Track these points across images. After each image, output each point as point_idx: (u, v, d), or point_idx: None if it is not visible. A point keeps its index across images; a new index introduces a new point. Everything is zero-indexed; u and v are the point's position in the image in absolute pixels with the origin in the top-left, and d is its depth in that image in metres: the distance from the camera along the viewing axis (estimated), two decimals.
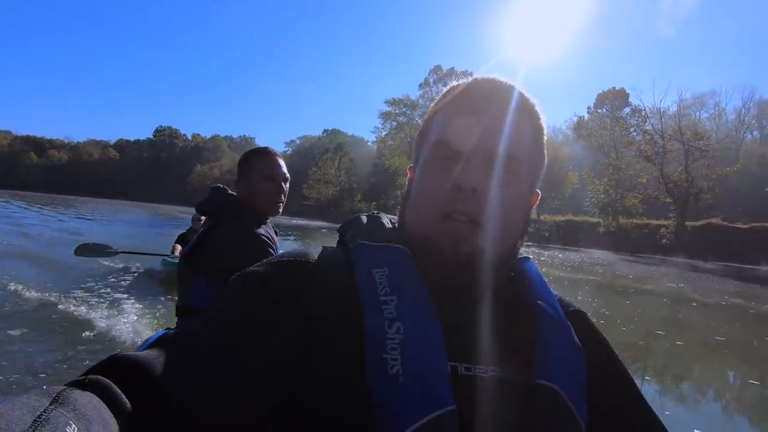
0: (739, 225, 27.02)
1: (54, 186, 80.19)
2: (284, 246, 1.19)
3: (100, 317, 4.63)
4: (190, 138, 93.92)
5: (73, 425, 0.26)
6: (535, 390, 0.44)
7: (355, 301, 0.45)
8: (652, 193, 31.97)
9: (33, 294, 5.34)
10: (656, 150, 31.64)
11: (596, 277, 13.34)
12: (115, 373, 0.35)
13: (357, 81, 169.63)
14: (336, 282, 0.47)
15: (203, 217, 1.78)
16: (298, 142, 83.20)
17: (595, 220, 34.26)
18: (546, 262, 16.85)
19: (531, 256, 0.58)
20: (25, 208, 25.09)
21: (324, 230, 25.90)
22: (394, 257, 0.49)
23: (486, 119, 0.49)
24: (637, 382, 0.54)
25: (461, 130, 0.49)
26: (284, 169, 1.62)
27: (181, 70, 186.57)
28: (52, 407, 0.27)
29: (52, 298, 5.19)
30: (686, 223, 28.64)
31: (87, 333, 4.19)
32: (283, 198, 1.61)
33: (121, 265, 7.60)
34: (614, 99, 37.44)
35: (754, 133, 47.63)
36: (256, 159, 1.59)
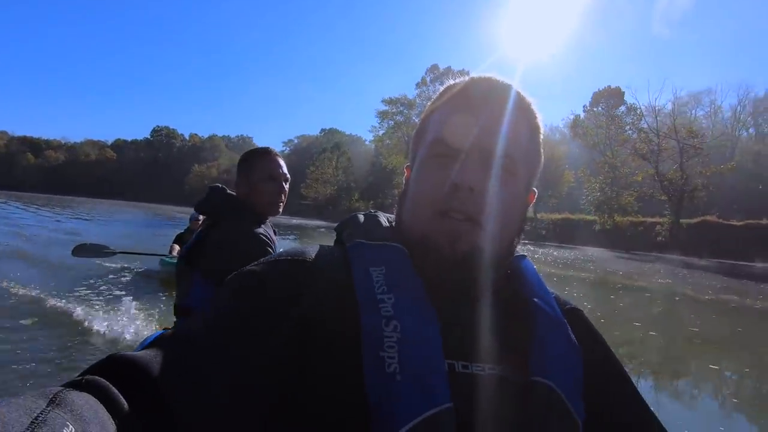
0: (734, 222, 27.24)
1: (51, 186, 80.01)
2: (283, 245, 1.19)
3: (98, 318, 4.64)
4: (187, 138, 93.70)
5: (71, 426, 0.26)
6: (531, 387, 0.44)
7: (352, 299, 0.45)
8: (647, 190, 32.17)
9: (30, 295, 5.34)
10: (651, 148, 31.85)
11: (585, 273, 13.52)
12: (112, 374, 0.34)
13: (354, 80, 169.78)
14: (333, 281, 0.47)
15: (201, 218, 1.84)
16: (295, 141, 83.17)
17: (591, 218, 34.47)
18: (539, 259, 17.00)
19: (526, 254, 0.60)
20: (22, 209, 25.05)
21: (322, 229, 25.97)
22: (391, 256, 0.49)
23: (483, 118, 0.49)
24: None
25: (458, 128, 0.49)
26: (285, 169, 1.62)
27: (178, 69, 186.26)
28: (49, 408, 0.27)
29: (49, 299, 5.19)
30: (681, 220, 28.83)
31: (85, 334, 4.19)
32: (283, 198, 1.61)
33: (119, 266, 7.61)
34: (610, 97, 37.62)
35: (750, 130, 47.92)
36: (258, 159, 1.60)
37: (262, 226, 1.52)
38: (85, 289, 5.93)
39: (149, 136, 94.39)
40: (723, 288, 12.38)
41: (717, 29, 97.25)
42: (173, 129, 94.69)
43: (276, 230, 1.63)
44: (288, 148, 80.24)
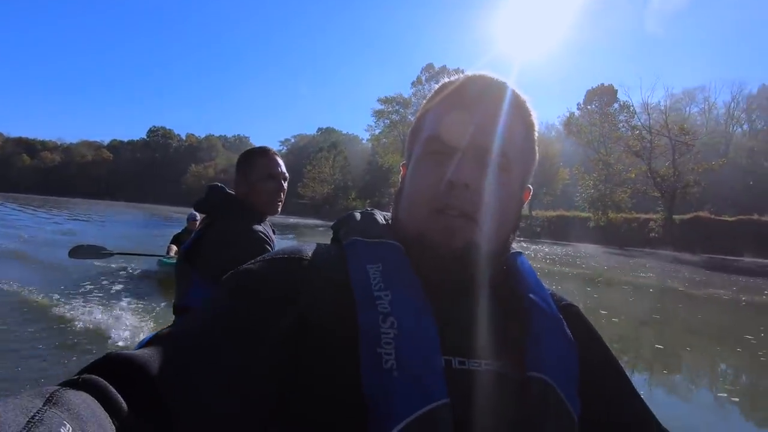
0: (726, 218, 27.55)
1: (47, 188, 79.83)
2: (281, 245, 1.29)
3: (96, 319, 4.64)
4: (184, 138, 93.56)
5: (68, 425, 0.26)
6: (527, 383, 0.44)
7: (349, 297, 0.45)
8: (640, 187, 32.37)
9: (28, 296, 5.32)
10: (644, 145, 32.10)
11: (571, 269, 13.80)
12: (109, 372, 0.34)
13: (351, 79, 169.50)
14: (330, 278, 0.47)
15: (199, 218, 1.90)
16: (292, 140, 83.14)
17: (585, 215, 34.66)
18: (529, 255, 17.13)
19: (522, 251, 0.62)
20: (19, 211, 25.06)
21: (321, 228, 26.00)
22: (387, 253, 0.49)
23: (478, 116, 0.50)
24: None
25: (454, 126, 0.50)
26: (283, 168, 1.63)
27: (174, 69, 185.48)
28: (45, 408, 0.27)
29: (47, 300, 5.18)
30: (674, 216, 29.09)
31: (83, 334, 4.19)
32: (282, 197, 1.61)
33: (116, 266, 7.61)
34: (603, 95, 37.90)
35: (744, 126, 48.29)
36: (257, 158, 1.59)
37: (261, 224, 1.53)
38: (83, 290, 5.92)
39: (145, 137, 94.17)
40: (701, 281, 12.69)
41: (710, 26, 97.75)
42: (170, 129, 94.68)
43: (275, 229, 1.64)
44: (285, 148, 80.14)
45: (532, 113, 0.55)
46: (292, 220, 38.36)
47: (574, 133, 38.33)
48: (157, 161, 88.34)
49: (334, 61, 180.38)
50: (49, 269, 7.28)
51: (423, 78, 48.30)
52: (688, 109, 48.95)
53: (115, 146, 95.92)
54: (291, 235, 19.07)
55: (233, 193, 1.60)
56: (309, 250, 0.52)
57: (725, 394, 4.14)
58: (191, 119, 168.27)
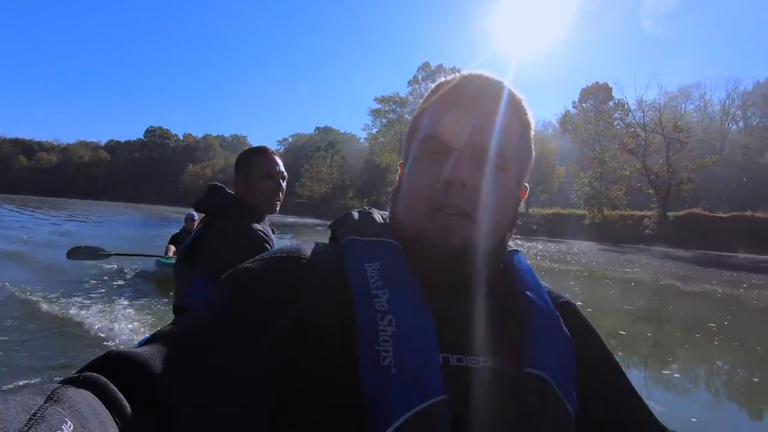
0: (720, 214, 27.78)
1: (44, 189, 79.64)
2: (279, 244, 1.29)
3: (95, 319, 4.61)
4: (181, 138, 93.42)
5: (69, 422, 0.26)
6: (524, 379, 0.45)
7: (347, 295, 0.45)
8: (635, 184, 32.57)
9: (26, 297, 5.31)
10: (638, 143, 32.31)
11: (559, 265, 14.02)
12: (110, 370, 0.34)
13: (348, 78, 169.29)
14: (328, 277, 0.48)
15: (197, 219, 1.95)
16: (290, 140, 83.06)
17: (581, 212, 34.92)
18: (522, 252, 17.35)
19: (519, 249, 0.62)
20: (17, 212, 25.03)
21: (319, 228, 25.94)
22: (385, 252, 0.49)
23: (475, 115, 0.50)
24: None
25: (450, 125, 0.50)
26: (282, 167, 1.64)
27: (171, 69, 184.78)
28: (47, 405, 0.27)
29: (45, 302, 5.16)
30: (669, 213, 29.31)
31: (82, 336, 4.17)
32: (280, 195, 1.62)
33: (115, 267, 7.61)
34: (598, 93, 38.11)
35: (739, 123, 48.52)
36: (255, 157, 1.60)
37: (261, 224, 1.54)
38: (82, 291, 5.89)
39: (143, 137, 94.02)
40: (686, 276, 12.91)
41: (705, 24, 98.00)
42: (167, 129, 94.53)
43: (273, 229, 1.65)
44: (283, 147, 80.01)
45: (528, 112, 0.55)
46: (290, 219, 38.35)
47: (569, 131, 38.54)
48: (155, 161, 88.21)
49: (332, 59, 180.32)
50: (48, 270, 7.26)
51: (419, 77, 48.49)
52: (683, 106, 49.21)
53: (113, 146, 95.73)
54: (289, 235, 19.05)
55: (233, 192, 1.62)
56: (308, 249, 0.52)
57: (720, 389, 4.16)
58: (189, 119, 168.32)
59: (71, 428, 0.26)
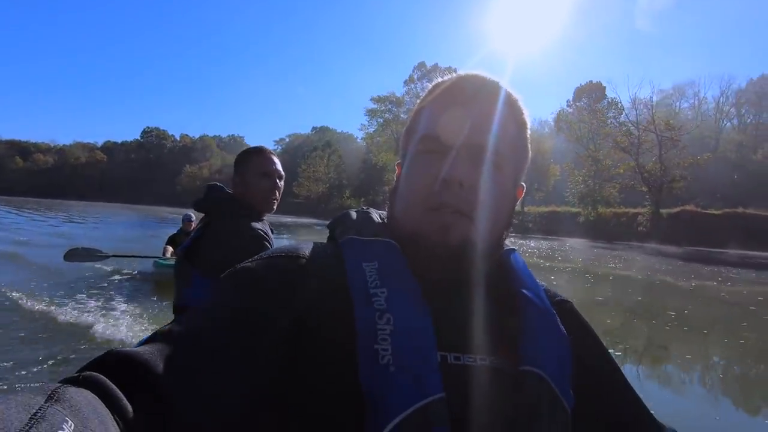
0: (712, 211, 28.06)
1: (41, 190, 79.27)
2: (277, 244, 1.31)
3: (93, 321, 4.60)
4: (178, 138, 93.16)
5: (70, 422, 0.26)
6: (522, 377, 0.45)
7: (346, 294, 0.45)
8: (628, 182, 32.92)
9: (24, 299, 5.31)
10: (632, 141, 32.59)
11: (547, 261, 14.27)
12: (110, 369, 0.34)
13: (344, 77, 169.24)
14: (327, 276, 0.48)
15: (194, 219, 1.99)
16: (287, 140, 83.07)
17: (575, 210, 35.18)
18: (518, 251, 17.60)
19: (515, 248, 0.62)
20: (14, 213, 24.97)
21: (318, 227, 25.88)
22: (383, 251, 0.50)
23: (472, 114, 0.50)
24: None
25: (448, 124, 0.50)
26: (279, 166, 1.65)
27: (168, 69, 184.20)
28: (47, 405, 0.27)
29: (44, 303, 5.16)
30: (662, 210, 29.59)
31: (81, 336, 4.17)
32: (277, 195, 1.63)
33: (112, 268, 7.59)
34: (591, 92, 38.38)
35: (733, 121, 48.86)
36: (252, 157, 1.62)
37: (260, 223, 1.55)
38: (79, 293, 5.86)
39: (139, 138, 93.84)
40: (671, 270, 13.15)
41: (699, 23, 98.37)
42: (164, 130, 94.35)
43: (272, 228, 1.65)
44: (280, 147, 79.96)
45: (524, 112, 0.55)
46: (288, 219, 38.28)
47: (564, 130, 38.80)
48: (152, 162, 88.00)
49: (328, 59, 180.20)
50: (45, 272, 7.22)
51: (415, 76, 48.60)
52: (678, 104, 49.70)
53: (109, 147, 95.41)
54: (286, 235, 19.02)
55: (231, 192, 1.64)
56: (306, 248, 0.53)
57: (716, 384, 4.21)
58: (185, 120, 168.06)
59: (72, 427, 0.26)
